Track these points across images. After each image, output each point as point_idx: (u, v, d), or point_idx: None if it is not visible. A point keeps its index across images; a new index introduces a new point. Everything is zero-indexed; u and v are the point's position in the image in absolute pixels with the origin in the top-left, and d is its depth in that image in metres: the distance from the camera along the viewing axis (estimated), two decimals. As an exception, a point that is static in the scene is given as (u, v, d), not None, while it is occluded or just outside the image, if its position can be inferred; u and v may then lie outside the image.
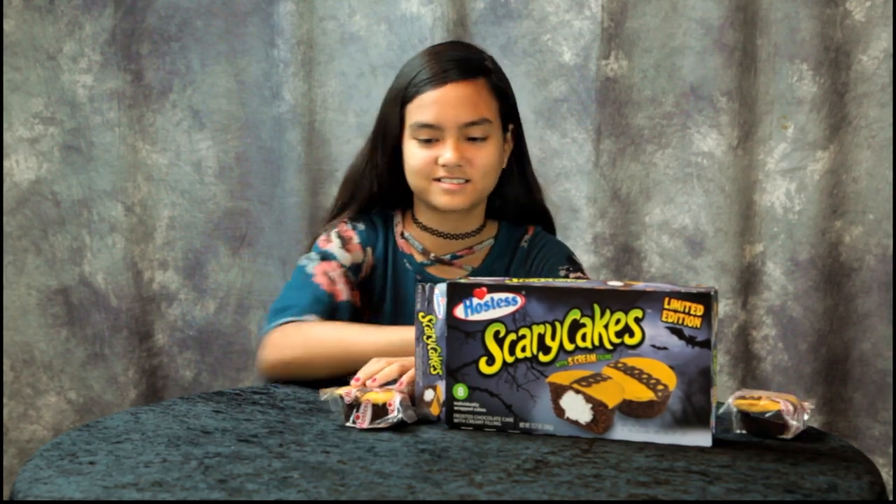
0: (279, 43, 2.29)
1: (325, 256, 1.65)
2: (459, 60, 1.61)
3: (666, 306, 1.17)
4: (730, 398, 1.31)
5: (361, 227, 1.69)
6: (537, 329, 1.21)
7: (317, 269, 1.63)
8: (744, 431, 1.28)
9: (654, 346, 1.18)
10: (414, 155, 1.61)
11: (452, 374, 1.25)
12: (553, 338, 1.21)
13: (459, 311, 1.24)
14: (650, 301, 1.18)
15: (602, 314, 1.19)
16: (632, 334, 1.19)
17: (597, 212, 2.25)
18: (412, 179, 1.62)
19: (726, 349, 2.25)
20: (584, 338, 1.20)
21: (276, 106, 2.31)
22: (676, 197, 2.23)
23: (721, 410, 1.29)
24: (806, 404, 1.30)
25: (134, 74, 2.31)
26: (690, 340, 1.17)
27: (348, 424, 1.30)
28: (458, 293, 1.24)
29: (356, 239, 1.67)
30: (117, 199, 2.33)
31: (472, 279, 1.27)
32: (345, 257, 1.65)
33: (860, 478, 1.12)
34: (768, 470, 1.14)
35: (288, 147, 2.31)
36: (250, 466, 1.15)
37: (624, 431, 1.20)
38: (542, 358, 1.22)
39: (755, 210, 2.22)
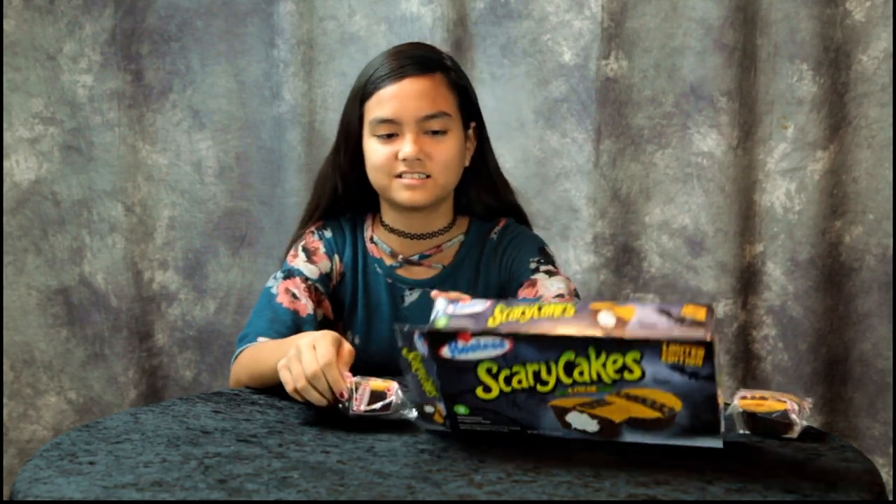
0: (279, 43, 2.29)
1: (289, 274, 1.64)
2: (417, 57, 1.61)
3: (665, 350, 1.10)
4: (734, 399, 1.30)
5: (328, 234, 1.69)
6: (531, 367, 1.15)
7: (279, 288, 1.62)
8: (747, 432, 1.28)
9: (655, 380, 1.12)
10: (374, 151, 1.60)
11: (450, 398, 1.20)
12: (549, 373, 1.15)
13: (445, 352, 1.17)
14: (647, 347, 1.10)
15: (598, 356, 1.13)
16: (631, 371, 1.12)
17: (597, 212, 2.25)
18: (374, 177, 1.62)
19: (726, 349, 2.25)
20: (581, 374, 1.14)
21: (276, 106, 2.31)
22: (676, 197, 2.23)
23: (727, 412, 1.27)
24: (805, 403, 1.30)
25: (134, 74, 2.31)
26: (693, 375, 1.11)
27: (344, 406, 1.28)
28: (440, 339, 1.16)
29: (322, 248, 1.67)
30: (117, 199, 2.33)
31: (454, 327, 1.17)
32: (311, 270, 1.65)
33: (859, 478, 1.12)
34: (767, 470, 1.14)
35: (288, 147, 2.31)
36: (250, 466, 1.15)
37: (635, 436, 1.17)
38: (541, 389, 1.16)
39: (755, 210, 2.22)
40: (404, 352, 1.19)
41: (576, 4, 2.22)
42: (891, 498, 1.43)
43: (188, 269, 2.35)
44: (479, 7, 2.26)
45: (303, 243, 1.68)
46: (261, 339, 1.57)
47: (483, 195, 1.70)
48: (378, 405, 1.29)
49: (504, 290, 1.66)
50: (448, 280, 1.66)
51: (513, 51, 2.25)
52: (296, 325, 1.59)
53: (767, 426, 1.26)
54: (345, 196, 1.68)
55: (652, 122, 2.23)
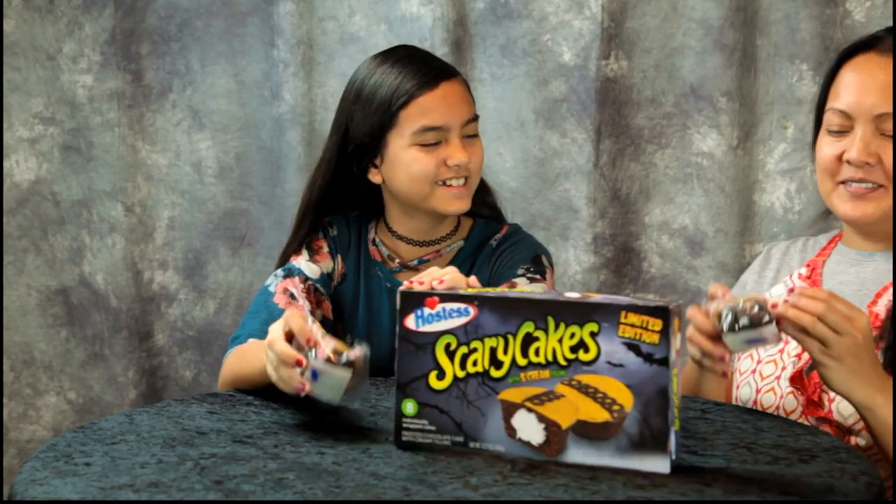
0: (279, 43, 2.29)
1: (289, 273, 1.63)
2: (432, 60, 1.62)
3: (623, 320, 1.11)
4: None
5: (334, 232, 1.67)
6: (489, 342, 1.16)
7: (278, 288, 1.61)
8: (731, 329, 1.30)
9: (609, 362, 1.12)
10: (418, 160, 1.57)
11: (402, 389, 1.20)
12: (505, 352, 1.15)
13: (410, 322, 1.18)
14: (606, 314, 1.12)
15: (556, 327, 1.13)
16: (587, 349, 1.13)
17: (597, 212, 2.24)
18: (413, 186, 1.59)
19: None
20: (537, 352, 1.14)
21: (276, 106, 2.31)
22: (676, 197, 2.23)
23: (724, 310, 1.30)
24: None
25: (134, 74, 2.31)
26: (648, 357, 1.11)
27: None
28: (409, 302, 1.18)
29: (325, 248, 1.66)
30: (117, 199, 2.33)
31: (424, 290, 1.20)
32: (312, 270, 1.63)
33: (856, 479, 1.12)
34: (764, 473, 1.14)
35: (288, 147, 2.31)
36: (246, 467, 1.15)
37: (577, 455, 1.14)
38: (494, 373, 1.16)
39: (755, 210, 2.21)
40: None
41: (576, 5, 2.22)
42: (889, 497, 1.43)
43: (188, 270, 2.35)
44: (479, 7, 2.25)
45: (308, 240, 1.67)
46: (251, 340, 1.56)
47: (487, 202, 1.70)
48: (344, 357, 1.25)
49: None
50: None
51: (513, 51, 2.25)
52: None
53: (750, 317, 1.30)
54: (350, 204, 1.67)
55: (652, 123, 2.22)
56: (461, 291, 1.19)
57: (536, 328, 1.14)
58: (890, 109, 1.44)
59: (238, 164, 2.34)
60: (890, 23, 2.08)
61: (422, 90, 1.57)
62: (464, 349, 1.17)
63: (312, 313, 1.60)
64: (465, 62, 2.24)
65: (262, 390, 1.48)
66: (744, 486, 1.10)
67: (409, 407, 1.20)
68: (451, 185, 1.58)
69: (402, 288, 1.21)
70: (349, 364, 1.25)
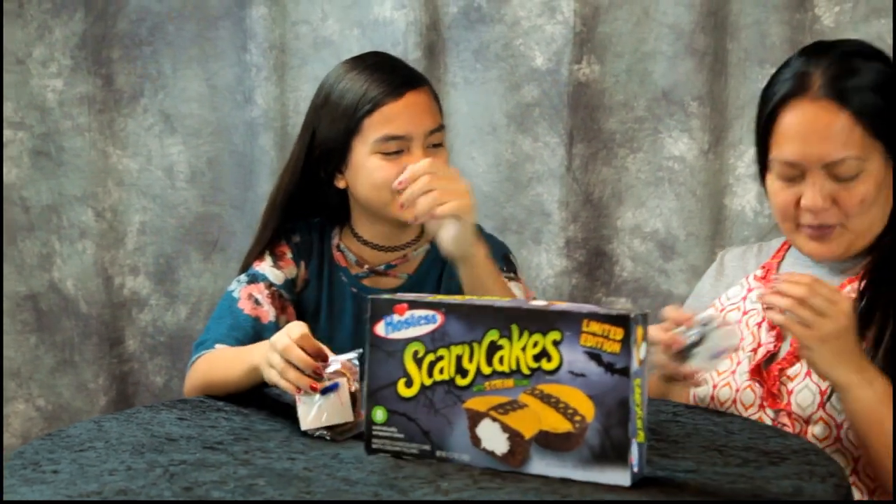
0: (251, 47, 2.29)
1: (253, 278, 1.63)
2: (400, 69, 1.62)
3: (585, 329, 1.10)
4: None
5: (297, 239, 1.67)
6: (455, 350, 1.16)
7: (242, 293, 1.61)
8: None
9: (571, 372, 1.11)
10: (379, 168, 1.57)
11: (372, 397, 1.20)
12: (471, 360, 1.15)
13: (380, 329, 1.19)
14: (568, 323, 1.11)
15: (520, 335, 1.13)
16: (549, 358, 1.12)
17: (569, 216, 2.25)
18: (374, 194, 1.59)
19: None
20: (501, 361, 1.14)
21: (249, 110, 2.31)
22: (648, 201, 2.24)
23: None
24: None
25: (104, 79, 2.30)
26: (609, 367, 1.10)
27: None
28: (379, 309, 1.19)
29: (289, 254, 1.66)
30: (87, 204, 2.31)
31: (396, 295, 1.21)
32: (276, 275, 1.63)
33: (825, 481, 1.13)
34: (734, 475, 1.14)
35: (260, 151, 2.30)
36: (216, 474, 1.14)
37: (540, 465, 1.13)
38: (460, 381, 1.16)
39: (726, 214, 2.22)
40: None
41: (548, 9, 2.22)
42: (856, 497, 1.45)
43: (159, 275, 2.34)
44: (452, 12, 2.26)
45: (270, 247, 1.67)
46: (218, 346, 1.55)
47: None
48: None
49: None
50: (413, 288, 1.65)
51: (485, 55, 2.25)
52: (256, 332, 1.57)
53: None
54: (313, 210, 1.67)
55: (624, 127, 2.23)
56: (429, 298, 1.19)
57: (501, 336, 1.14)
58: (839, 156, 1.45)
59: (210, 168, 2.33)
60: (858, 27, 2.10)
61: (386, 99, 1.57)
62: (431, 356, 1.17)
63: (277, 319, 1.60)
64: (438, 66, 2.24)
65: (233, 396, 1.48)
66: (714, 489, 1.10)
67: (379, 414, 1.20)
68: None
69: (372, 296, 1.21)
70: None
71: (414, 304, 1.18)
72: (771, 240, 1.71)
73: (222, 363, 1.49)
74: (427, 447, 1.19)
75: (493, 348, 1.15)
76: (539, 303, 1.17)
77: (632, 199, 2.25)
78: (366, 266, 1.66)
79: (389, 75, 1.59)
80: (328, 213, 1.69)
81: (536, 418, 1.13)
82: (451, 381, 1.17)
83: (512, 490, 1.10)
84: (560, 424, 1.12)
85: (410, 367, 1.18)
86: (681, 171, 2.21)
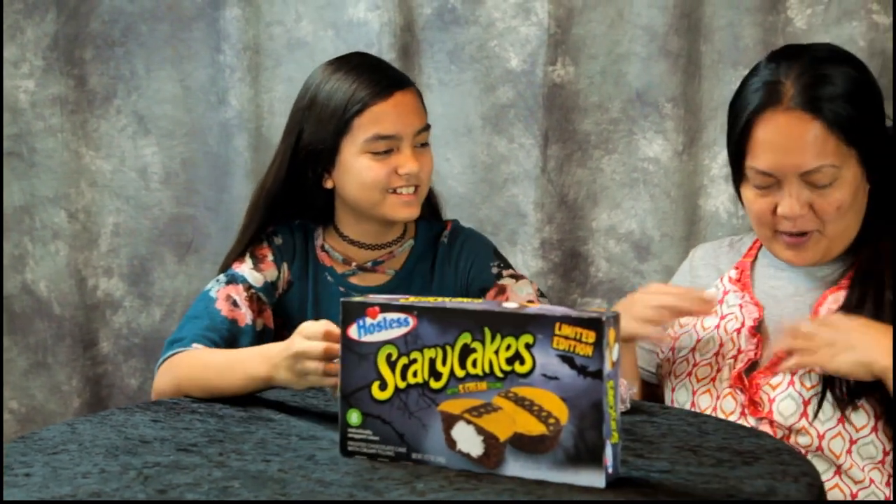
0: (225, 48, 2.28)
1: (232, 279, 1.62)
2: (386, 69, 1.63)
3: (557, 332, 1.10)
4: None
5: (279, 241, 1.67)
6: (428, 353, 1.16)
7: (220, 294, 1.61)
8: None
9: (545, 375, 1.11)
10: (369, 168, 1.58)
11: (346, 399, 1.20)
12: (444, 363, 1.15)
13: (353, 332, 1.19)
14: (541, 326, 1.11)
15: (493, 339, 1.13)
16: (522, 361, 1.12)
17: (544, 217, 2.25)
18: (363, 193, 1.60)
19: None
20: (474, 364, 1.14)
21: (223, 111, 2.30)
22: (623, 202, 2.25)
23: None
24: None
25: (77, 80, 2.29)
26: (582, 370, 1.10)
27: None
28: (351, 312, 1.19)
29: (270, 256, 1.65)
30: (60, 205, 2.30)
31: (367, 297, 1.21)
32: (255, 278, 1.63)
33: (798, 480, 1.13)
34: (708, 475, 1.15)
35: (235, 153, 2.30)
36: (190, 476, 1.14)
37: (515, 467, 1.14)
38: (434, 384, 1.16)
39: (700, 215, 2.23)
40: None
41: (522, 11, 2.23)
42: (828, 498, 1.46)
43: (133, 276, 2.33)
44: (426, 13, 2.26)
45: (251, 248, 1.66)
46: (195, 345, 1.54)
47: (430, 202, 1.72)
48: None
49: (462, 295, 1.65)
50: (401, 285, 1.65)
51: (460, 56, 2.25)
52: (232, 334, 1.57)
53: None
54: (298, 210, 1.66)
55: (598, 128, 2.24)
56: (401, 301, 1.19)
57: (474, 339, 1.14)
58: (815, 165, 1.47)
59: (184, 169, 2.32)
60: (830, 29, 2.11)
61: (376, 99, 1.58)
62: (404, 360, 1.17)
63: (253, 322, 1.60)
64: (413, 68, 2.24)
65: (206, 398, 1.47)
66: (688, 489, 1.11)
67: (354, 417, 1.20)
68: (401, 193, 1.59)
69: (343, 299, 1.21)
70: None
71: (386, 308, 1.18)
72: (742, 236, 1.72)
73: (212, 368, 1.48)
74: (402, 450, 1.18)
75: (467, 351, 1.15)
76: (511, 305, 1.17)
77: (607, 200, 2.25)
78: (353, 264, 1.66)
79: (376, 75, 1.60)
80: (312, 214, 1.69)
81: (511, 421, 1.13)
82: (425, 384, 1.17)
83: (487, 491, 1.10)
84: (534, 427, 1.12)
85: (384, 369, 1.18)
86: (655, 173, 2.22)
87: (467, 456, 1.16)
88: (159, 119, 2.31)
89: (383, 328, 1.18)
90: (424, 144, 1.63)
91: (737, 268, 1.64)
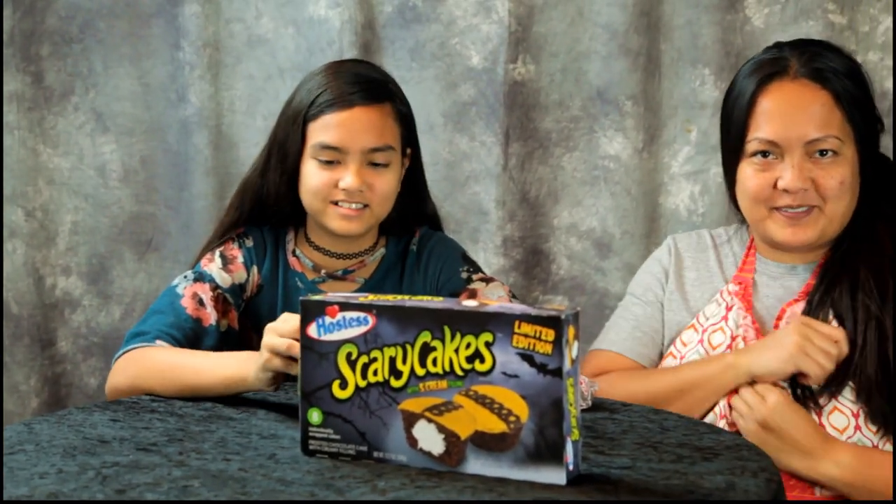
0: (184, 45, 2.26)
1: (200, 277, 1.61)
2: (367, 83, 1.59)
3: (516, 330, 1.10)
4: None
5: (250, 243, 1.66)
6: (388, 352, 1.16)
7: (187, 291, 1.59)
8: None
9: (504, 373, 1.11)
10: (313, 175, 1.57)
11: (307, 398, 1.20)
12: (404, 361, 1.15)
13: (312, 330, 1.18)
14: (500, 324, 1.11)
15: (452, 337, 1.13)
16: (482, 360, 1.12)
17: (506, 214, 2.26)
18: (308, 199, 1.59)
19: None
20: (434, 362, 1.14)
21: (182, 109, 2.28)
22: (584, 200, 2.26)
23: None
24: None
25: (34, 76, 2.26)
26: (542, 368, 1.09)
27: None
28: (311, 311, 1.18)
29: (240, 258, 1.64)
30: (17, 203, 2.27)
31: (326, 296, 1.21)
32: (223, 279, 1.62)
33: (756, 475, 1.14)
34: (668, 471, 1.16)
35: (195, 150, 2.28)
36: (149, 475, 1.13)
37: (477, 465, 1.14)
38: (394, 383, 1.16)
39: (660, 212, 2.25)
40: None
41: (483, 9, 2.23)
42: (817, 494, 1.48)
43: (92, 275, 2.31)
44: (387, 11, 2.25)
45: (221, 248, 1.65)
46: (159, 342, 1.53)
47: (407, 215, 1.69)
48: None
49: None
50: (371, 293, 1.64)
51: (421, 54, 2.25)
52: (195, 334, 1.56)
53: None
54: (271, 209, 1.65)
55: (559, 126, 2.25)
56: (360, 300, 1.18)
57: (433, 338, 1.14)
58: (820, 134, 1.47)
59: (143, 167, 2.31)
60: (787, 28, 2.13)
61: (333, 108, 1.56)
62: (364, 358, 1.17)
63: (218, 322, 1.58)
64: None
65: (170, 396, 1.46)
66: (648, 485, 1.11)
67: (315, 416, 1.20)
68: (341, 206, 1.58)
69: (302, 298, 1.21)
70: None
71: (345, 306, 1.17)
72: (721, 232, 1.73)
73: (180, 368, 1.46)
74: (364, 448, 1.18)
75: (427, 349, 1.14)
76: (471, 303, 1.17)
77: (568, 197, 2.26)
78: (323, 272, 1.65)
79: (348, 85, 1.57)
80: (283, 218, 1.67)
81: (472, 419, 1.13)
82: (386, 383, 1.16)
83: (448, 489, 1.10)
84: (495, 425, 1.12)
85: (344, 368, 1.18)
86: (616, 170, 2.23)
87: (429, 454, 1.16)
88: (118, 116, 2.29)
89: (343, 327, 1.17)
90: (383, 165, 1.58)
91: (739, 282, 1.63)
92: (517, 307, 1.14)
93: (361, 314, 1.17)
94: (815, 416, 1.49)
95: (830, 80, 1.48)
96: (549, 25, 2.23)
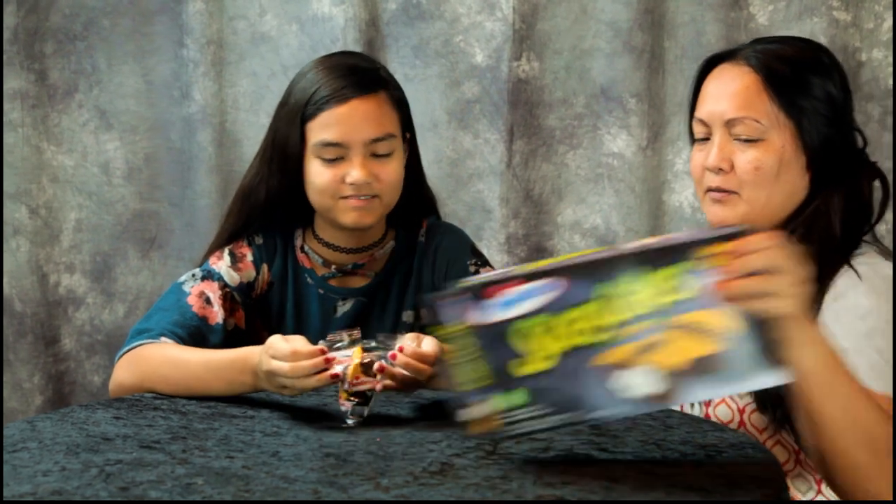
0: (188, 42, 2.26)
1: (208, 275, 1.60)
2: (357, 73, 1.58)
3: (705, 252, 1.11)
4: None
5: (259, 241, 1.65)
6: (583, 308, 1.13)
7: (194, 289, 1.59)
8: None
9: (708, 296, 1.12)
10: (319, 174, 1.56)
11: (503, 384, 1.15)
12: (601, 315, 1.13)
13: (486, 315, 1.14)
14: (694, 249, 1.11)
15: (652, 272, 1.12)
16: (684, 289, 1.12)
17: (509, 212, 2.26)
18: (317, 198, 1.58)
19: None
20: (633, 306, 1.12)
21: (186, 106, 2.28)
22: (588, 197, 2.25)
23: None
24: None
25: (38, 74, 2.27)
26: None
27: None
28: (478, 296, 1.13)
29: (249, 256, 1.63)
30: (21, 201, 2.28)
31: (498, 276, 1.15)
32: (232, 277, 1.61)
33: (760, 474, 1.14)
34: (671, 469, 1.15)
35: (198, 148, 2.28)
36: (153, 473, 1.13)
37: (698, 393, 1.13)
38: (596, 339, 1.13)
39: (664, 210, 2.25)
40: (444, 329, 1.16)
41: (487, 6, 2.23)
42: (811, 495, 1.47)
43: (96, 273, 2.31)
44: (392, 8, 2.25)
45: (230, 246, 1.64)
46: (163, 339, 1.53)
47: (411, 201, 1.68)
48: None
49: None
50: (380, 286, 1.64)
51: (425, 52, 2.25)
52: (201, 332, 1.55)
53: None
54: (276, 210, 1.65)
55: (563, 123, 2.25)
56: (544, 267, 1.14)
57: (630, 281, 1.12)
58: (738, 114, 1.46)
59: (147, 165, 2.31)
60: (791, 25, 2.13)
61: (329, 104, 1.55)
62: (559, 322, 1.14)
63: (224, 321, 1.58)
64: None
65: (174, 394, 1.46)
66: (651, 482, 1.11)
67: (517, 397, 1.15)
68: (350, 199, 1.57)
69: (463, 284, 1.15)
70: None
71: (532, 276, 1.13)
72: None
73: (186, 367, 1.46)
74: (579, 413, 1.15)
75: (622, 295, 1.13)
76: (634, 244, 1.15)
77: (572, 195, 2.26)
78: (333, 267, 1.64)
79: (341, 80, 1.56)
80: (292, 215, 1.66)
81: (683, 349, 1.13)
82: (586, 342, 1.13)
83: (452, 485, 1.10)
84: (707, 347, 1.12)
85: (536, 341, 1.14)
86: (620, 168, 2.23)
87: (645, 400, 1.14)
88: (122, 114, 2.29)
89: (528, 297, 1.14)
90: (385, 154, 1.58)
91: None
92: (701, 232, 1.14)
93: (549, 281, 1.13)
94: (703, 407, 1.48)
95: (769, 66, 1.47)
96: (552, 23, 2.22)
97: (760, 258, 1.16)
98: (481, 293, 1.14)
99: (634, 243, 1.16)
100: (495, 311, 1.14)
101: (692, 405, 1.52)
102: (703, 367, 1.13)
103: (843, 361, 1.26)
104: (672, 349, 1.13)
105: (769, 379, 1.13)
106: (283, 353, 1.33)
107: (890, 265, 1.44)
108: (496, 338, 1.14)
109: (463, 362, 1.16)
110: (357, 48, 2.21)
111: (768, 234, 1.19)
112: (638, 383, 1.14)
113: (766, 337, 1.12)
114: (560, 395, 1.15)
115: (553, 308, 1.13)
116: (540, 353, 1.14)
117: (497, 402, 1.16)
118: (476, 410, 1.16)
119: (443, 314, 1.15)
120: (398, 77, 2.28)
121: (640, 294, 1.13)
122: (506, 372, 1.15)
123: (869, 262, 1.43)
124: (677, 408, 1.50)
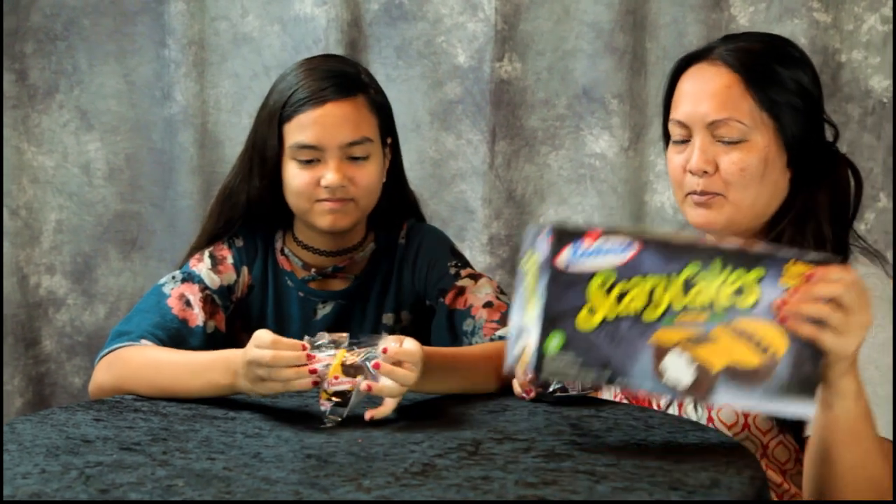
0: (170, 43, 2.26)
1: (189, 278, 1.60)
2: (337, 77, 1.57)
3: (789, 268, 1.15)
4: None
5: (240, 243, 1.64)
6: (650, 281, 1.15)
7: (174, 291, 1.58)
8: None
9: (768, 308, 1.15)
10: (295, 176, 1.56)
11: (551, 323, 1.15)
12: (665, 290, 1.15)
13: (563, 259, 1.14)
14: (773, 262, 1.15)
15: (721, 270, 1.15)
16: (748, 294, 1.15)
17: (492, 213, 2.26)
18: (293, 200, 1.58)
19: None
20: (695, 295, 1.15)
21: (168, 107, 2.28)
22: (570, 198, 2.26)
23: None
24: None
25: (18, 74, 2.26)
26: None
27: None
28: (564, 238, 1.14)
29: (230, 259, 1.63)
30: (1, 202, 2.26)
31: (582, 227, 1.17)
32: (212, 280, 1.60)
33: (741, 472, 1.14)
34: (653, 468, 1.16)
35: (180, 149, 2.28)
36: (133, 475, 1.12)
37: (726, 397, 1.16)
38: (649, 314, 1.15)
39: (646, 210, 2.25)
40: (525, 257, 1.19)
41: (470, 7, 2.23)
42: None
43: (77, 274, 2.30)
44: (374, 8, 2.25)
45: (211, 249, 1.63)
46: (144, 341, 1.52)
47: (392, 205, 1.68)
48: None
49: (419, 296, 1.64)
50: (360, 289, 1.64)
51: (408, 52, 2.25)
52: (181, 334, 1.55)
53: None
54: (257, 212, 1.64)
55: (545, 124, 2.25)
56: (626, 229, 1.20)
57: (700, 270, 1.15)
58: (721, 116, 1.46)
59: (128, 165, 2.30)
60: (772, 26, 2.14)
61: (305, 107, 1.55)
62: (622, 286, 1.15)
63: (205, 324, 1.58)
64: (360, 64, 2.23)
65: (154, 397, 1.46)
66: (633, 482, 1.11)
67: (556, 341, 1.16)
68: (325, 202, 1.57)
69: (554, 225, 1.16)
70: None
71: (609, 232, 1.15)
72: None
73: (166, 370, 1.45)
74: (607, 373, 1.17)
75: (689, 282, 1.15)
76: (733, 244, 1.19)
77: (554, 196, 2.26)
78: (312, 270, 1.64)
79: (319, 82, 1.56)
80: (270, 217, 1.66)
81: (727, 352, 1.16)
82: (640, 313, 1.16)
83: (434, 486, 1.10)
84: (750, 359, 1.16)
85: (596, 296, 1.15)
86: (602, 169, 2.24)
87: (674, 387, 1.17)
88: (103, 114, 2.28)
89: (600, 253, 1.15)
90: (362, 157, 1.57)
91: None
92: (789, 249, 1.19)
93: (625, 240, 1.15)
94: (705, 412, 1.49)
95: (746, 64, 1.47)
96: (535, 24, 2.23)
97: (835, 288, 1.17)
98: (570, 238, 1.15)
99: (713, 240, 1.20)
100: (573, 260, 1.15)
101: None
102: (740, 375, 1.16)
103: (871, 413, 1.27)
104: (719, 348, 1.16)
105: (795, 409, 1.17)
106: (265, 341, 1.33)
107: (880, 270, 1.45)
108: (576, 283, 1.15)
109: (525, 294, 1.18)
110: (339, 49, 2.21)
111: (848, 269, 1.21)
112: (674, 368, 1.17)
113: (808, 367, 1.16)
114: (598, 353, 1.16)
115: (619, 270, 1.15)
116: (594, 310, 1.16)
117: (534, 341, 1.17)
118: (518, 347, 1.19)
119: (535, 243, 1.17)
120: (380, 78, 2.28)
121: (707, 287, 1.16)
122: (558, 317, 1.16)
123: (873, 272, 1.44)
124: (677, 408, 1.50)
